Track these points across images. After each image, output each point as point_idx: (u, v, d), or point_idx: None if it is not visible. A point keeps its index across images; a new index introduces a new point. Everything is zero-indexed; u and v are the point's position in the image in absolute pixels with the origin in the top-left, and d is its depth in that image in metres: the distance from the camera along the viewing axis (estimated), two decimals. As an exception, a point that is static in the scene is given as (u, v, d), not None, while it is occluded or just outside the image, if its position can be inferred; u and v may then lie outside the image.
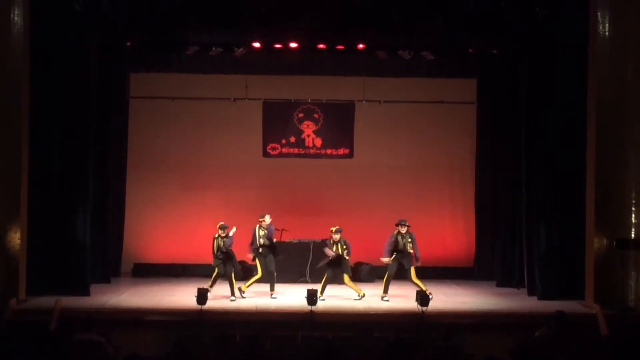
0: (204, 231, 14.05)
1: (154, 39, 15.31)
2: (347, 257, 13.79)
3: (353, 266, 15.85)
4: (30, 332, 9.95)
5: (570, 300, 13.31)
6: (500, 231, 16.01)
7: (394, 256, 13.68)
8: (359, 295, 13.71)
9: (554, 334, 9.74)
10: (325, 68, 16.58)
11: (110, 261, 15.76)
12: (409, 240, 13.63)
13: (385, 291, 13.69)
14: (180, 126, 17.01)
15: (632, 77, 12.85)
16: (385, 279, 13.75)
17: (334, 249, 13.74)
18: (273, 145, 17.02)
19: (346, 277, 13.85)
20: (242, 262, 15.27)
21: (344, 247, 13.76)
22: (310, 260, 15.64)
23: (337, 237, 13.78)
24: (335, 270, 13.80)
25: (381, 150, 17.15)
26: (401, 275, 13.73)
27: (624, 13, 12.92)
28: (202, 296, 11.83)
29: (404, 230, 13.65)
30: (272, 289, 13.87)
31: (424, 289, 13.12)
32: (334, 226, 13.82)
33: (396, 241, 13.66)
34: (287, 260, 15.48)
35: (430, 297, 12.48)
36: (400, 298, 13.60)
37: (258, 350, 9.00)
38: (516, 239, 15.33)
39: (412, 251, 13.62)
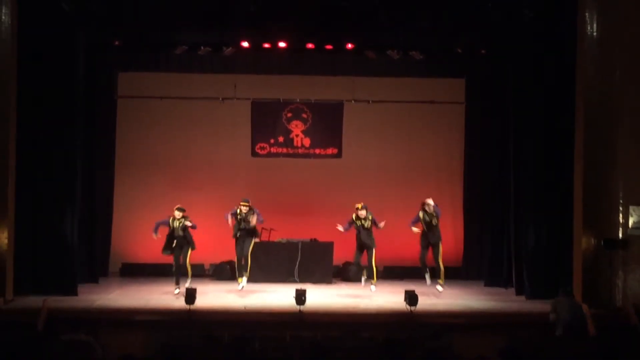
0: (192, 230, 13.99)
1: (142, 39, 15.28)
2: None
3: (342, 266, 15.87)
4: (18, 333, 9.91)
5: (558, 300, 13.38)
6: (489, 231, 16.05)
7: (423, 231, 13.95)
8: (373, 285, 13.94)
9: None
10: (314, 68, 16.62)
11: (98, 261, 15.68)
12: (435, 215, 13.87)
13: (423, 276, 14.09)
14: (168, 126, 16.97)
15: (620, 77, 12.87)
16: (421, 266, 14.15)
17: (359, 224, 13.77)
18: (262, 144, 16.99)
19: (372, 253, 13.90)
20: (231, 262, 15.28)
21: (370, 217, 13.81)
22: (298, 259, 15.62)
23: (363, 213, 13.75)
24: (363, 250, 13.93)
25: (370, 150, 17.16)
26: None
27: (612, 14, 12.94)
28: (190, 296, 11.80)
29: (430, 209, 13.84)
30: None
31: (442, 275, 13.78)
32: (358, 204, 13.91)
33: (423, 220, 13.90)
34: (275, 260, 15.47)
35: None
36: (391, 295, 13.63)
37: (246, 351, 8.99)
38: (504, 239, 15.34)
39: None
